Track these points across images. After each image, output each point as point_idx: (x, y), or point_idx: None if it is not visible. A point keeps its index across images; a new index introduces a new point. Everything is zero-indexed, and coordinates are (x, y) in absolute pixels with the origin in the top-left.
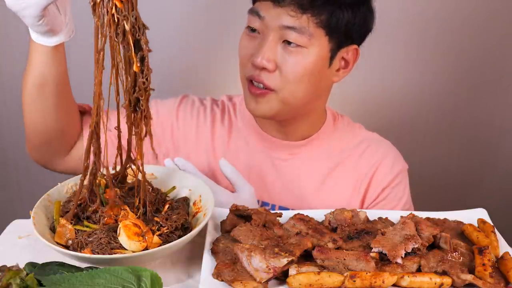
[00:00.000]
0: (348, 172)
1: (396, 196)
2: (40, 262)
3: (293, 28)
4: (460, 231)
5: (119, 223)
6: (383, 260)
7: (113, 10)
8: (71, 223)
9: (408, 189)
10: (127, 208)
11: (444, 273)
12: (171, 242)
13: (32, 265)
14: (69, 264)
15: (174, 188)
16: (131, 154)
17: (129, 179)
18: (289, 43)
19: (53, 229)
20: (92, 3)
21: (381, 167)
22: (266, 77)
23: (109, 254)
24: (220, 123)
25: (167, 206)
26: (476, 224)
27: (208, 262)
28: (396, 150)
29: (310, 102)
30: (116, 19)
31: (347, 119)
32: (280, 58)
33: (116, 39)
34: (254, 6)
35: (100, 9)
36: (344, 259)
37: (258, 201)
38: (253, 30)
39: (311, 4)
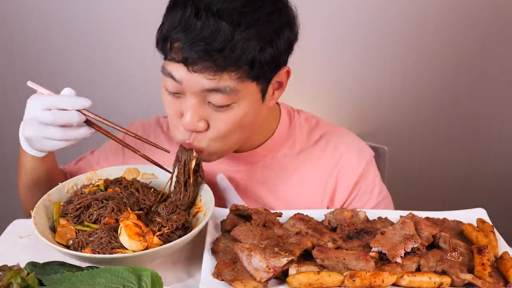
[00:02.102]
0: (311, 172)
1: (366, 189)
2: (41, 261)
3: (216, 90)
4: (460, 231)
5: (120, 223)
6: (383, 260)
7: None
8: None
9: (378, 176)
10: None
11: (443, 272)
12: (171, 241)
13: (33, 265)
14: (69, 264)
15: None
16: None
17: (129, 178)
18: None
19: (53, 229)
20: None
21: (346, 163)
22: (197, 139)
23: (109, 253)
24: (167, 144)
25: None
26: (475, 224)
27: (208, 261)
28: (359, 140)
29: (248, 137)
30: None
31: (305, 114)
32: (210, 116)
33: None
34: (166, 68)
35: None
36: (344, 259)
37: None
38: (173, 93)
39: (226, 61)
